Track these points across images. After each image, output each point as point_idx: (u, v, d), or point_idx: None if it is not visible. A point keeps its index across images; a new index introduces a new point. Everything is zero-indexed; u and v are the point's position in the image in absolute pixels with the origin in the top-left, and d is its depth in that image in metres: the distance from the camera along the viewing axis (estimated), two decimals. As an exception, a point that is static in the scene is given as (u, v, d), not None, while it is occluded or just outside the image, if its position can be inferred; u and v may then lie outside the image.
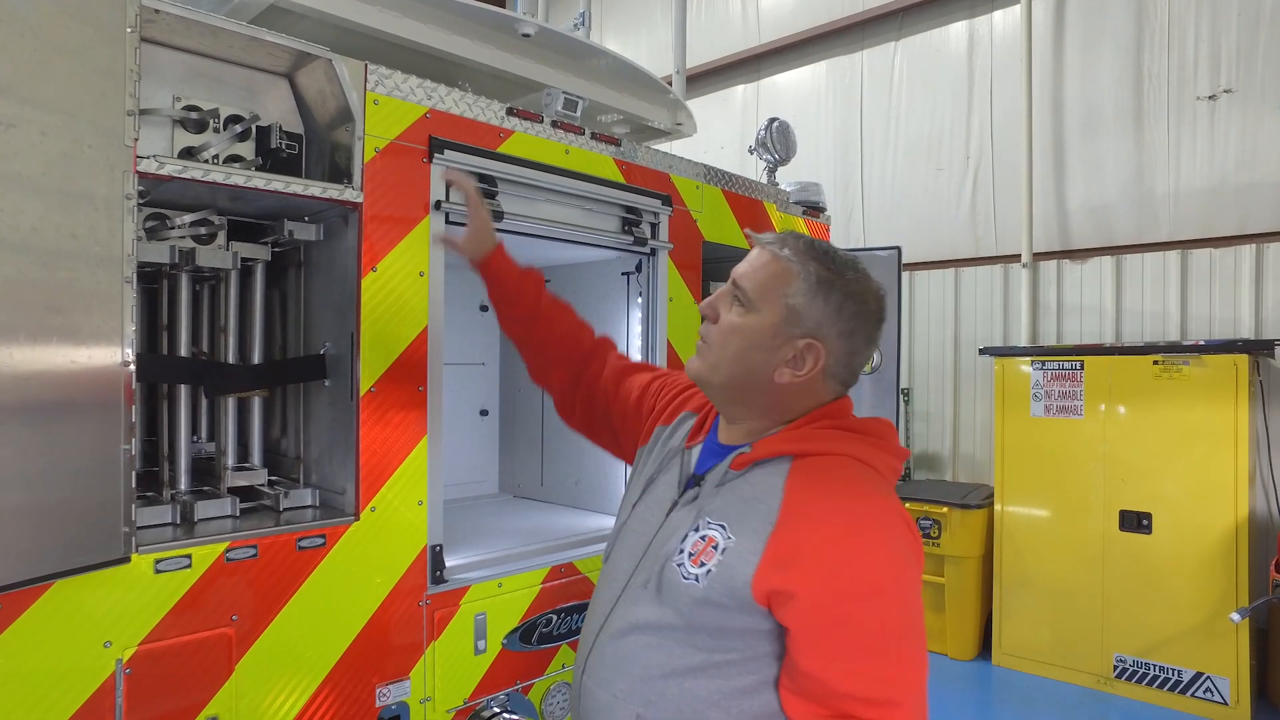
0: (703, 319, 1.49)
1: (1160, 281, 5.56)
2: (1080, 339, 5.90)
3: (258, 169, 2.14)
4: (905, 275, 6.76)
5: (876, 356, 3.39)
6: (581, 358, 1.99)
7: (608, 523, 3.12)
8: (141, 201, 1.83)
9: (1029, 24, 6.11)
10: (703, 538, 1.34)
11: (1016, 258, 6.25)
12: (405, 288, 2.23)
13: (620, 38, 8.90)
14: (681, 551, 1.36)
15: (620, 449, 1.98)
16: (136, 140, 1.77)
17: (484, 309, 3.66)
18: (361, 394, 2.15)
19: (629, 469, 3.22)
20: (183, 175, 1.86)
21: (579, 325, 2.05)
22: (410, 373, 2.25)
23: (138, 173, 1.77)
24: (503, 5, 3.93)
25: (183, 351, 2.24)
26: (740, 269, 1.45)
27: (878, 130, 7.07)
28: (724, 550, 1.30)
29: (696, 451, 1.53)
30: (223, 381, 2.18)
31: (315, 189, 2.05)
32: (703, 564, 1.31)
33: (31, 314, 1.60)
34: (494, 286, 2.01)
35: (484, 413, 3.71)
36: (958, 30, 6.65)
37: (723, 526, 1.33)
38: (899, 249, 3.35)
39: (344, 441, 2.19)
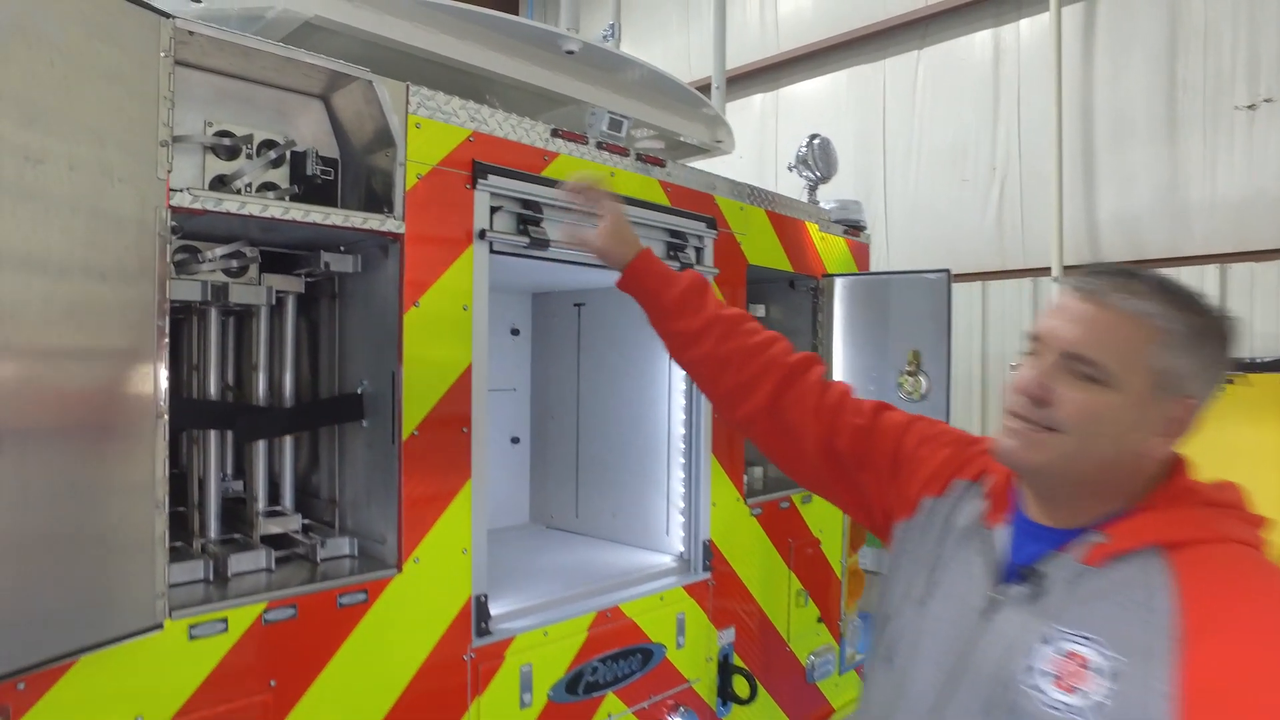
0: (1018, 395, 1.14)
1: (1198, 295, 5.41)
2: (1114, 354, 5.75)
3: (292, 197, 2.01)
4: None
5: (924, 383, 3.25)
6: (779, 382, 1.54)
7: (649, 559, 2.98)
8: (173, 235, 1.70)
9: (1058, 31, 5.98)
10: (1065, 655, 1.04)
11: (1045, 270, 6.11)
12: (449, 323, 2.10)
13: (634, 48, 8.78)
14: (1031, 669, 1.06)
15: (866, 512, 1.49)
16: (170, 172, 1.64)
17: (515, 332, 3.53)
18: (404, 438, 2.02)
19: (677, 502, 3.14)
20: (218, 209, 1.73)
21: (768, 339, 1.61)
22: (454, 413, 2.11)
23: (171, 208, 1.64)
24: (515, 13, 3.81)
25: (212, 390, 2.10)
26: (1069, 333, 1.10)
27: (900, 140, 6.93)
28: (1115, 676, 0.99)
29: (1004, 533, 1.21)
30: (255, 425, 2.04)
31: (356, 219, 1.91)
32: (1080, 692, 1.00)
33: (57, 365, 1.47)
34: (647, 297, 1.69)
35: (515, 440, 3.57)
36: (982, 39, 6.52)
37: (1093, 641, 1.03)
38: (948, 271, 3.21)
39: (384, 487, 2.05)
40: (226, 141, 1.92)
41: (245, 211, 1.79)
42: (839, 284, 3.49)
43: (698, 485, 2.91)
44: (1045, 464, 1.12)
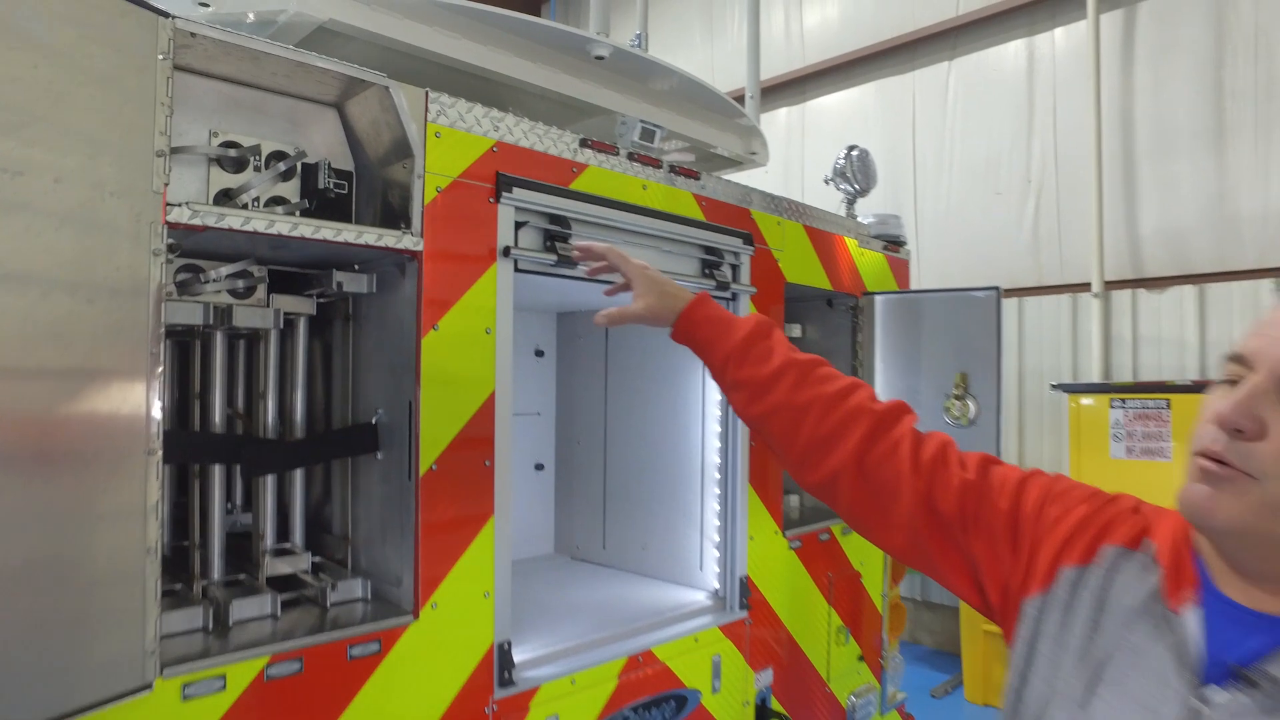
0: (1216, 431, 0.90)
1: (1251, 312, 5.16)
2: (1159, 374, 5.51)
3: (303, 212, 1.87)
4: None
5: (973, 407, 3.06)
6: (866, 434, 1.28)
7: (682, 596, 2.80)
8: (171, 253, 1.55)
9: (1096, 39, 5.78)
10: None
11: (1085, 286, 5.88)
12: (471, 347, 1.94)
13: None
14: None
15: (977, 587, 1.20)
16: (167, 185, 1.50)
17: (539, 354, 3.37)
18: (421, 473, 1.86)
19: (711, 535, 2.95)
20: (219, 225, 1.58)
21: (848, 385, 1.35)
22: (476, 445, 1.95)
23: (167, 223, 1.50)
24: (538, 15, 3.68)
25: (217, 419, 1.96)
26: None
27: (931, 153, 6.75)
28: None
29: (1195, 617, 0.94)
30: (261, 459, 1.89)
31: (370, 236, 1.76)
32: None
33: (38, 389, 1.32)
34: (706, 347, 1.47)
35: (539, 467, 3.41)
36: (1016, 48, 6.34)
37: None
38: (998, 290, 3.02)
39: (399, 526, 1.89)
40: (232, 153, 1.78)
41: (250, 228, 1.64)
42: (879, 302, 3.31)
43: (734, 517, 2.73)
44: (1253, 523, 0.86)
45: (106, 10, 1.40)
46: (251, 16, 1.92)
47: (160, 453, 1.46)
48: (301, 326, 2.07)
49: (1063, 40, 6.09)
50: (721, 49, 8.21)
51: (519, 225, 2.05)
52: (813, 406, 1.32)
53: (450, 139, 1.91)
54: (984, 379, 3.05)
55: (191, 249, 1.80)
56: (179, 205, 1.53)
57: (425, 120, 1.86)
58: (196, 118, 1.77)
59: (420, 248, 1.84)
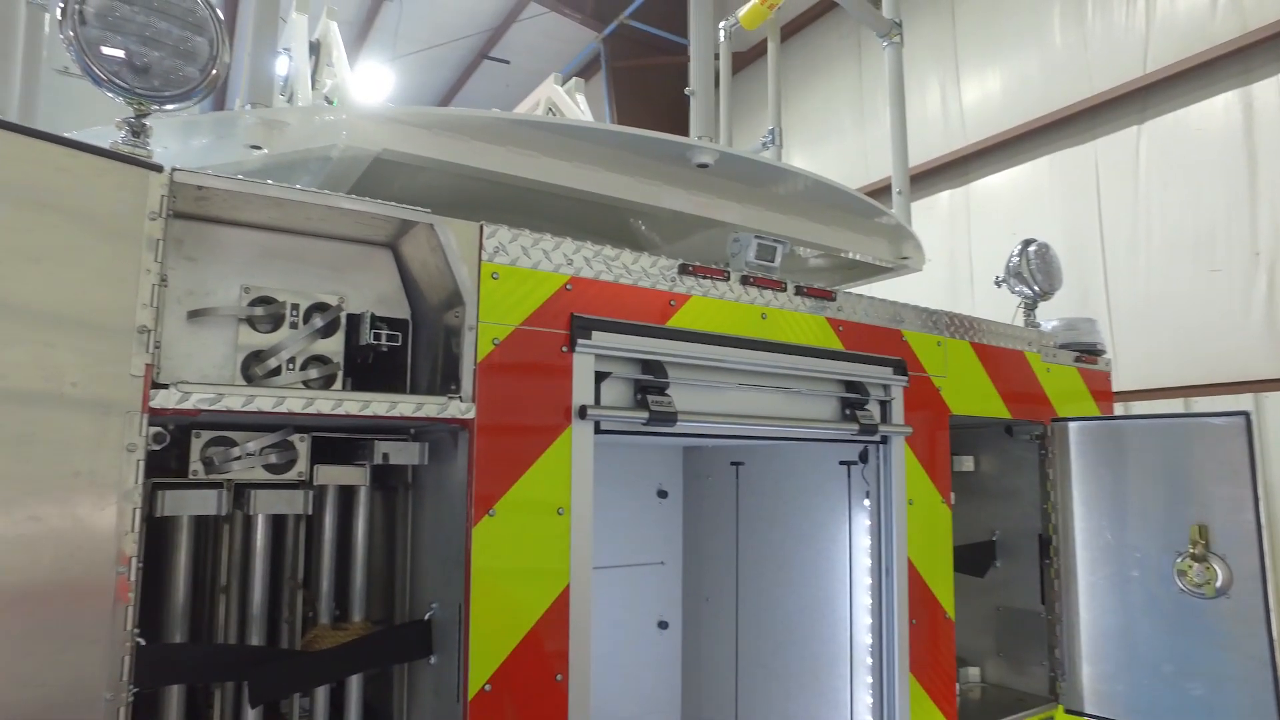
0: None
1: None
2: None
3: (350, 371, 1.59)
4: (1178, 400, 5.43)
5: (1220, 573, 2.31)
6: None
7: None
8: (158, 443, 1.28)
9: (1333, 86, 4.85)
10: None
11: (1341, 379, 4.78)
12: (538, 534, 1.55)
13: (805, 152, 8.34)
14: None
15: None
16: (150, 365, 1.24)
17: (662, 494, 2.95)
18: (471, 696, 1.46)
19: (857, 711, 2.36)
20: (247, 409, 1.31)
21: None
22: (543, 658, 1.54)
23: (152, 411, 1.23)
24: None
25: (256, 606, 1.65)
26: None
27: (1121, 229, 5.89)
28: None
29: None
30: (269, 681, 1.50)
31: (407, 406, 1.44)
32: None
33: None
34: None
35: (663, 625, 2.95)
36: (1226, 101, 5.46)
37: None
38: (1246, 415, 2.30)
39: (447, 765, 1.49)
40: (261, 311, 1.52)
41: (284, 409, 1.37)
42: (1074, 430, 2.64)
43: (892, 715, 2.14)
44: None
45: (75, 172, 1.17)
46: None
47: (129, 699, 1.16)
48: (363, 496, 1.76)
49: (1286, 89, 5.17)
50: (873, 135, 7.75)
51: (600, 377, 1.67)
52: None
53: (511, 279, 1.58)
54: (1234, 534, 2.31)
55: (217, 420, 1.54)
56: (174, 387, 1.26)
57: (479, 259, 1.54)
58: (226, 273, 1.54)
59: (471, 415, 1.50)
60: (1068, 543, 2.61)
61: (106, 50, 1.33)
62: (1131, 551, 2.48)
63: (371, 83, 9.17)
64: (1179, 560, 2.38)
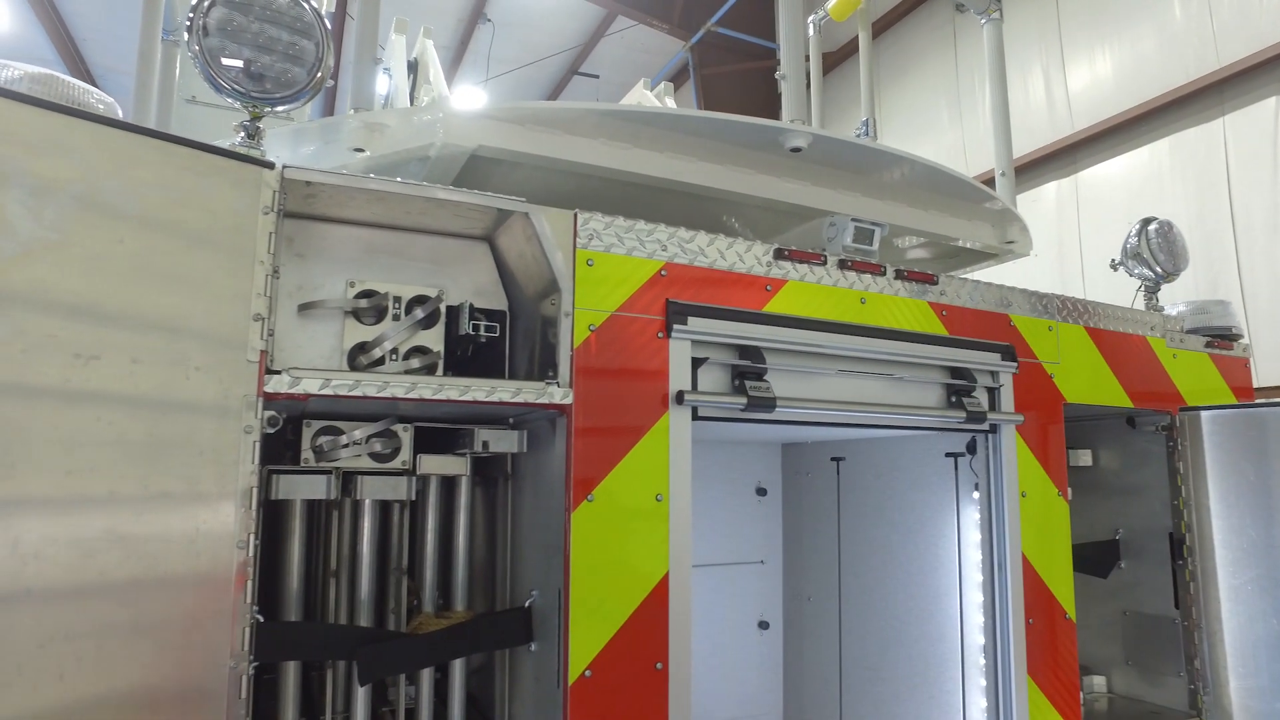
0: None
1: None
2: None
3: (450, 361, 1.63)
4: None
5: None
6: None
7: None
8: (271, 426, 1.34)
9: None
10: None
11: None
12: (636, 521, 1.55)
13: (900, 147, 8.10)
14: None
15: None
16: (264, 352, 1.30)
17: (761, 492, 2.90)
18: (571, 681, 1.46)
19: (971, 715, 2.25)
20: (353, 393, 1.36)
21: None
22: (643, 645, 1.53)
23: (265, 395, 1.29)
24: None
25: (364, 592, 1.71)
26: None
27: (1257, 212, 5.46)
28: None
29: None
30: (378, 660, 1.55)
31: (505, 391, 1.46)
32: None
33: (102, 611, 1.12)
34: None
35: (764, 625, 2.89)
36: (1371, 72, 5.01)
37: None
38: None
39: (551, 750, 1.50)
40: (366, 303, 1.58)
41: (388, 394, 1.41)
42: (1206, 420, 2.45)
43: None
44: None
45: (197, 170, 1.25)
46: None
47: (250, 672, 1.22)
48: (464, 486, 1.80)
49: None
50: (972, 129, 7.48)
51: (697, 363, 1.65)
52: None
53: (606, 266, 1.58)
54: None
55: (325, 410, 1.60)
56: (285, 373, 1.32)
57: (574, 247, 1.56)
58: (333, 269, 1.61)
59: (569, 400, 1.51)
60: (1204, 542, 2.42)
61: (226, 61, 1.41)
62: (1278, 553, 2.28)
63: (466, 103, 9.47)
64: (1334, 561, 2.17)
